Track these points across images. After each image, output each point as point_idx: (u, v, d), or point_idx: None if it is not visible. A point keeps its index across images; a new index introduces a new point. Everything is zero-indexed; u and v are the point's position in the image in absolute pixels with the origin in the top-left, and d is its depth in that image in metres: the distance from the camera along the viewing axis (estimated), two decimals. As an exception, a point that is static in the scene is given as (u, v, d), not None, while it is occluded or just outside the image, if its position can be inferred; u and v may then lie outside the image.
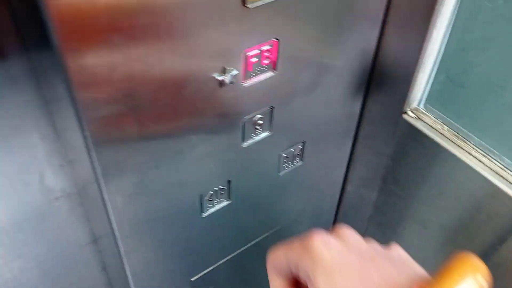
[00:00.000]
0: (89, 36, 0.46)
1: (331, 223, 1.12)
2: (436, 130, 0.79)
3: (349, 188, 1.04)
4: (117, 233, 0.68)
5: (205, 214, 0.77)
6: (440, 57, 0.76)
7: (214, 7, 0.52)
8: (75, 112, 0.50)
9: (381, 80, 0.82)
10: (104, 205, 0.64)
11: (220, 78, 0.58)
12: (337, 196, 1.06)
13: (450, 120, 0.79)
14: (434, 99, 0.80)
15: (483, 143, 0.76)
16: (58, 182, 0.71)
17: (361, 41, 0.75)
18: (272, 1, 0.55)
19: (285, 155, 0.81)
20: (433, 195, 0.84)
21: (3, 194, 0.67)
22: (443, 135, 0.78)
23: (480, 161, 0.75)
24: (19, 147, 0.63)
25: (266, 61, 0.62)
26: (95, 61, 0.47)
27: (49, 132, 0.64)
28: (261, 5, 0.55)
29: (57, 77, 0.53)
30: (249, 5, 0.53)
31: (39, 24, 0.46)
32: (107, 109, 0.52)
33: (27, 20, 0.51)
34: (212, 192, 0.75)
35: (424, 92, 0.81)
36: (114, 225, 0.67)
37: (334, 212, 1.09)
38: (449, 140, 0.78)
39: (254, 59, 0.61)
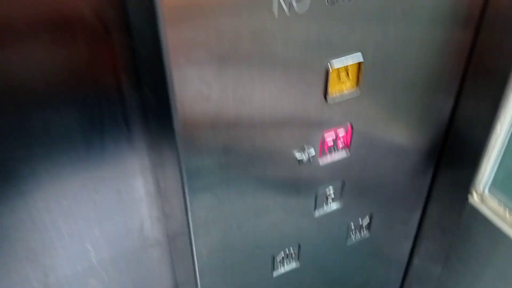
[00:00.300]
0: (202, 126, 0.58)
1: (395, 294, 1.14)
2: (499, 215, 0.83)
3: (415, 261, 1.06)
4: (198, 282, 0.78)
5: (275, 273, 0.85)
6: (507, 142, 0.80)
7: (300, 103, 0.63)
8: (181, 180, 0.62)
9: (449, 161, 0.86)
10: (192, 256, 0.74)
11: (299, 157, 0.68)
12: (403, 268, 1.08)
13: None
14: (499, 183, 0.83)
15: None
16: (154, 232, 0.82)
17: (431, 123, 0.80)
18: (348, 98, 0.66)
19: (353, 226, 0.88)
20: (495, 276, 0.86)
21: (109, 238, 0.79)
22: (505, 220, 0.82)
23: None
24: (128, 200, 0.76)
25: (340, 144, 0.72)
26: (202, 142, 0.59)
27: (153, 190, 0.76)
28: (340, 101, 0.65)
29: (167, 147, 0.65)
30: (330, 102, 0.64)
31: (163, 106, 0.57)
32: (206, 178, 0.63)
33: (154, 100, 0.63)
34: (283, 254, 0.83)
35: (490, 176, 0.84)
36: (197, 274, 0.76)
37: (399, 284, 1.12)
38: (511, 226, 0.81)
39: (330, 142, 0.70)
